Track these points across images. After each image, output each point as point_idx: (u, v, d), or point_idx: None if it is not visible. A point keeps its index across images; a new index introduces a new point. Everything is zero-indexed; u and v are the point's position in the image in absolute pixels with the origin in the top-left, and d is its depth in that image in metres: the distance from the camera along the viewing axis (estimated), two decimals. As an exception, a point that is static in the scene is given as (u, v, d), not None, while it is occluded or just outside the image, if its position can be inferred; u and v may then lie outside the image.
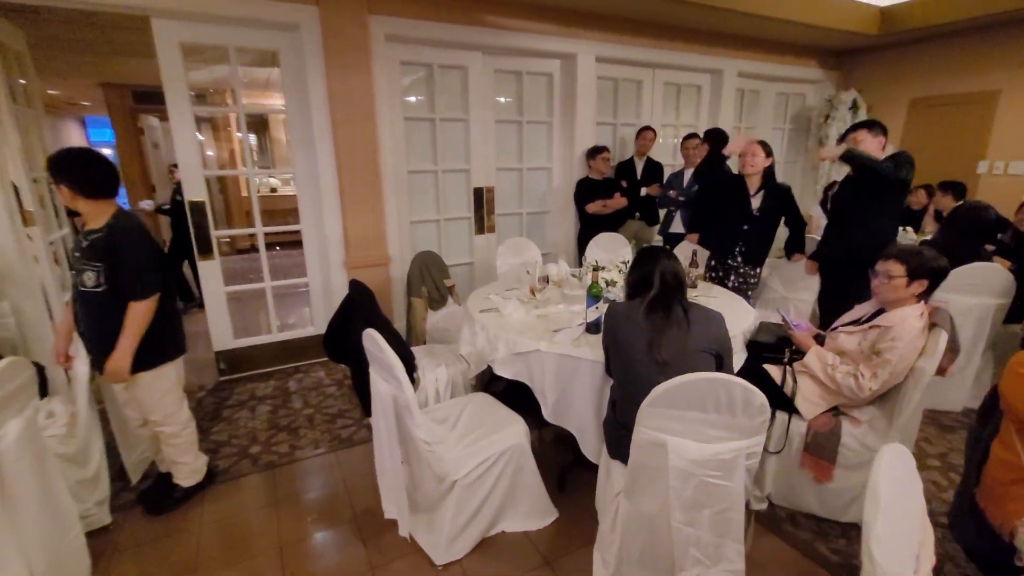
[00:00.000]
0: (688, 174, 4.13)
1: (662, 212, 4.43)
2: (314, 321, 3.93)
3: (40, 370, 2.32)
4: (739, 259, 3.16)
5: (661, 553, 1.63)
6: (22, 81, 3.14)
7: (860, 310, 2.27)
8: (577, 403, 2.13)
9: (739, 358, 2.20)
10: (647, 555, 1.67)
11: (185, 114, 3.18)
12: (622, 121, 4.99)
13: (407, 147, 3.93)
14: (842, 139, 2.92)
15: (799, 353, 2.23)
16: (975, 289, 2.89)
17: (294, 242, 4.04)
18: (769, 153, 2.98)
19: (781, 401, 2.12)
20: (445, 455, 1.92)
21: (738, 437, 1.45)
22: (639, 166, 4.49)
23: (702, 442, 1.46)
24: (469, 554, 2.02)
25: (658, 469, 1.51)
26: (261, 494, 2.43)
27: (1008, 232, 3.54)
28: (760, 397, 1.40)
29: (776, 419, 2.12)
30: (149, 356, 2.07)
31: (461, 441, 2.02)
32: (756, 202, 3.02)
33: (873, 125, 2.80)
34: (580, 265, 3.98)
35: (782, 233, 3.29)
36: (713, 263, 3.31)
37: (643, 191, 4.41)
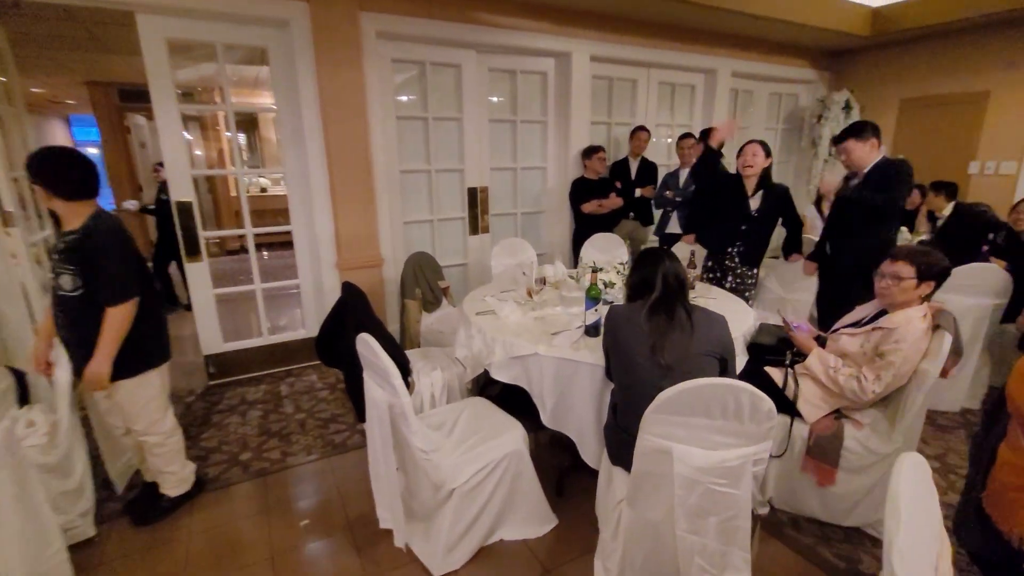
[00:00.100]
0: (684, 174, 4.11)
1: (658, 212, 4.41)
2: (305, 323, 3.86)
3: (20, 377, 2.25)
4: (736, 260, 3.14)
5: (665, 561, 1.59)
6: (2, 79, 3.04)
7: (861, 311, 2.25)
8: (576, 408, 2.09)
9: (740, 360, 2.17)
10: (650, 564, 1.63)
11: (171, 113, 3.11)
12: (616, 120, 4.96)
13: (399, 146, 3.87)
14: (836, 141, 2.87)
15: (800, 355, 2.20)
16: (973, 289, 2.89)
17: (285, 243, 3.97)
18: (769, 153, 2.96)
19: (783, 404, 2.08)
20: (442, 463, 1.87)
21: (745, 443, 1.42)
22: (633, 166, 4.46)
23: (708, 449, 1.42)
24: (467, 564, 1.97)
25: (662, 477, 1.47)
26: (252, 502, 2.36)
27: (1002, 232, 3.54)
28: (768, 403, 1.37)
29: (778, 422, 2.09)
30: (131, 363, 2.00)
31: (458, 448, 1.97)
32: (755, 203, 3.00)
33: (862, 131, 2.65)
34: (575, 266, 3.95)
35: (776, 233, 3.27)
36: (710, 264, 3.29)
37: (637, 192, 4.38)
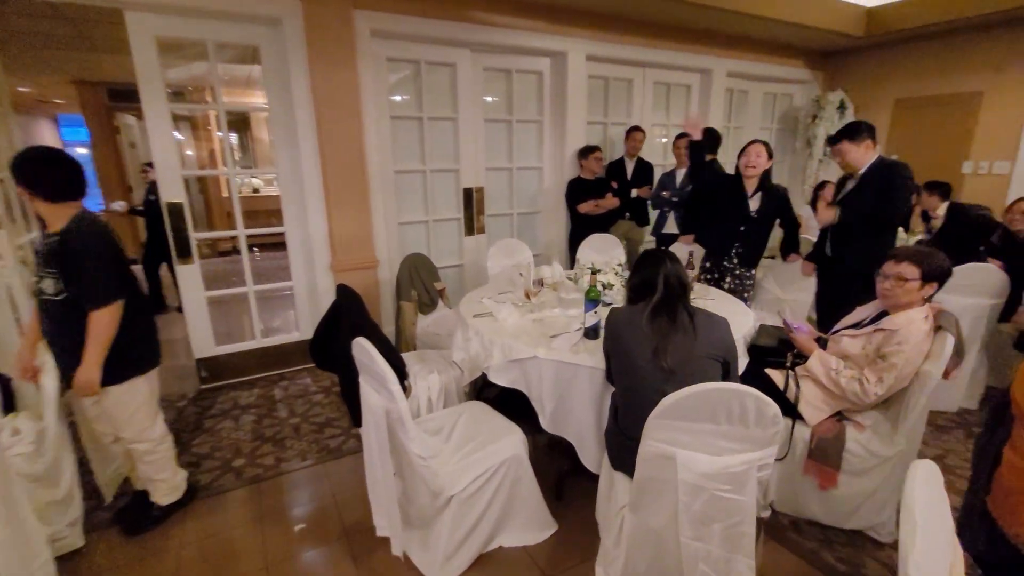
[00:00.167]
0: (681, 174, 4.10)
1: (655, 213, 4.39)
2: (299, 326, 3.81)
3: (6, 383, 2.19)
4: (735, 261, 3.12)
5: (668, 568, 1.56)
6: (-13, 77, 2.98)
7: (862, 312, 2.23)
8: (576, 411, 2.06)
9: (740, 362, 2.15)
10: (653, 571, 1.60)
11: (161, 112, 3.05)
12: (612, 120, 4.94)
13: (394, 146, 3.83)
14: (831, 143, 2.85)
15: (801, 357, 2.19)
16: (971, 289, 2.89)
17: (278, 244, 3.91)
18: (771, 155, 2.94)
19: (784, 406, 2.06)
20: (440, 469, 1.84)
21: (750, 449, 1.39)
22: (629, 166, 4.44)
23: (713, 455, 1.40)
24: (466, 572, 1.93)
25: (666, 483, 1.45)
26: (246, 510, 2.32)
27: (997, 232, 3.55)
28: (773, 407, 1.34)
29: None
30: (119, 368, 1.94)
31: (456, 453, 1.93)
32: (754, 204, 2.98)
33: (856, 132, 2.62)
34: (572, 266, 3.93)
35: (773, 233, 3.26)
36: (708, 265, 3.27)
37: (634, 192, 4.36)
